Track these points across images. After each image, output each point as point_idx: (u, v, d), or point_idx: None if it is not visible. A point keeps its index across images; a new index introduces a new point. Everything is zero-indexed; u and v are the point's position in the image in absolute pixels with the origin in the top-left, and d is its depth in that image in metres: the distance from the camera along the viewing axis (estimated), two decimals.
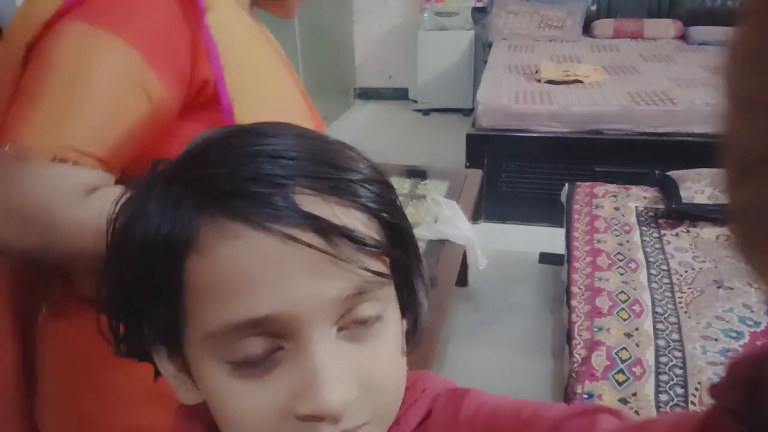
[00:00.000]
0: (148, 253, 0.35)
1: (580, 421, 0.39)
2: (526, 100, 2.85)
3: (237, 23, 0.68)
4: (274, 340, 0.34)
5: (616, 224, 1.95)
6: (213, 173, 0.35)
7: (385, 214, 0.37)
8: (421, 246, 1.80)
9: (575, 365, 1.34)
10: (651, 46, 3.83)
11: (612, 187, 2.19)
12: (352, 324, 0.36)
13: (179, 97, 0.61)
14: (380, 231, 0.37)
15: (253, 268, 0.33)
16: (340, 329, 0.35)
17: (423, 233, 1.84)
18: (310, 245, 0.33)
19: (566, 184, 2.28)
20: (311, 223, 0.33)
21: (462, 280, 2.30)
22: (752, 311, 1.46)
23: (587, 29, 4.13)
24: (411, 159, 3.16)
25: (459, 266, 1.85)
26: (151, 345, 0.39)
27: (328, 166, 0.35)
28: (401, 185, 2.31)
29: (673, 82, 2.99)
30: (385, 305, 0.37)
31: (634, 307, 1.52)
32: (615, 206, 2.05)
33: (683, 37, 3.95)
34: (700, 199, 1.89)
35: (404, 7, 4.72)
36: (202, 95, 0.63)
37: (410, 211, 2.06)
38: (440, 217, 1.91)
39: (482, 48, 4.27)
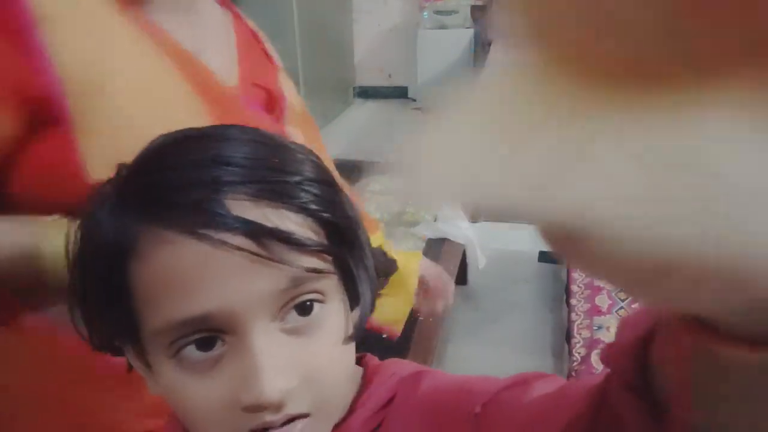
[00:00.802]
0: (97, 259, 0.38)
1: (515, 390, 0.41)
2: None
3: (93, 30, 0.60)
4: (215, 335, 0.36)
5: None
6: (153, 182, 0.37)
7: (324, 214, 0.39)
8: (421, 245, 1.80)
9: (575, 364, 1.34)
10: None
11: None
12: (291, 316, 0.38)
13: (6, 119, 0.55)
14: (317, 229, 0.39)
15: (186, 271, 0.36)
16: (281, 322, 0.37)
17: (422, 232, 1.84)
18: (239, 248, 0.35)
19: None
20: (241, 227, 0.35)
21: (461, 279, 2.30)
22: None
23: None
24: None
25: (458, 265, 1.85)
26: (119, 342, 0.42)
27: (267, 170, 0.38)
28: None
29: None
30: (326, 298, 0.39)
31: (633, 306, 1.52)
32: None
33: None
34: None
35: (404, 5, 4.71)
36: (42, 113, 0.56)
37: (410, 210, 2.06)
38: (440, 215, 1.91)
39: (482, 46, 4.27)
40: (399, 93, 4.87)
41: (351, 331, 0.42)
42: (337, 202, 0.41)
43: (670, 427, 0.23)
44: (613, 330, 1.43)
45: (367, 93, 5.00)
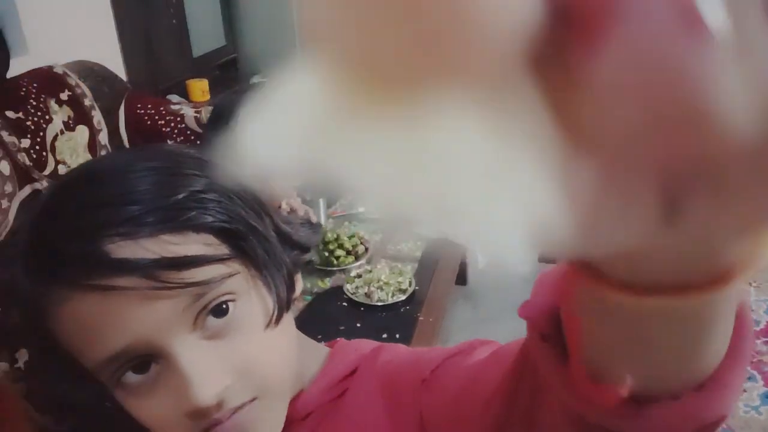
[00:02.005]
0: (24, 323, 0.41)
1: (460, 357, 0.44)
2: None
3: None
4: (144, 357, 0.39)
5: None
6: (38, 244, 0.39)
7: (216, 223, 0.40)
8: (421, 245, 1.80)
9: None
10: None
11: None
12: (209, 322, 0.40)
13: None
14: (210, 238, 0.40)
15: (89, 319, 0.38)
16: (200, 330, 0.39)
17: (422, 232, 1.84)
18: (130, 287, 0.36)
19: None
20: (125, 268, 0.36)
21: (461, 278, 2.30)
22: (752, 310, 1.46)
23: None
24: None
25: (458, 265, 1.85)
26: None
27: (143, 202, 0.38)
28: None
29: None
30: (238, 294, 0.41)
31: None
32: None
33: None
34: None
35: None
36: None
37: None
38: None
39: None
40: None
41: (274, 313, 0.43)
42: (230, 205, 0.42)
43: (573, 371, 0.25)
44: None
45: None
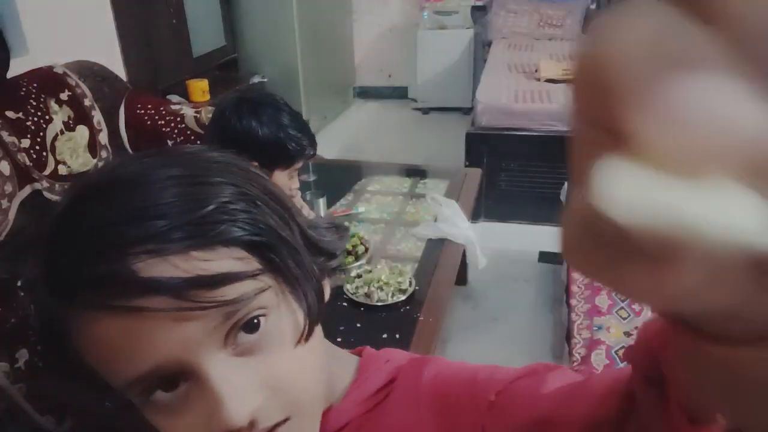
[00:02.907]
0: (45, 341, 0.40)
1: (529, 380, 0.42)
2: (526, 98, 2.85)
3: None
4: (174, 377, 0.37)
5: None
6: (60, 264, 0.37)
7: (250, 237, 0.38)
8: (421, 245, 1.80)
9: (575, 364, 1.34)
10: None
11: None
12: (240, 338, 0.38)
13: None
14: (241, 252, 0.38)
15: (116, 341, 0.36)
16: (232, 347, 0.38)
17: (423, 232, 1.84)
18: (158, 309, 0.34)
19: (566, 183, 2.28)
20: (154, 288, 0.34)
21: (461, 279, 2.30)
22: None
23: (587, 28, 4.12)
24: (410, 158, 3.16)
25: (458, 265, 1.85)
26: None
27: (171, 216, 0.36)
28: (401, 184, 2.30)
29: None
30: (269, 309, 0.39)
31: (633, 306, 1.52)
32: None
33: None
34: None
35: (404, 6, 4.71)
36: None
37: (410, 210, 2.06)
38: (440, 216, 1.91)
39: (482, 47, 4.27)
40: (399, 93, 4.87)
41: (305, 327, 0.42)
42: (260, 216, 0.40)
43: (674, 415, 0.26)
44: (612, 330, 1.43)
45: (367, 93, 4.99)
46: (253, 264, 0.38)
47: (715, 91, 0.13)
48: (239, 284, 0.37)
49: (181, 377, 0.37)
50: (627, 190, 0.13)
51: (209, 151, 0.43)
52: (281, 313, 0.40)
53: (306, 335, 0.41)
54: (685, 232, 0.13)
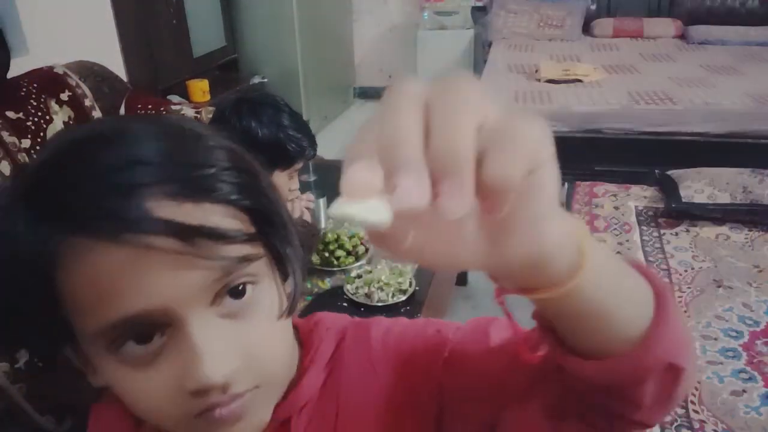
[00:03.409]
0: (18, 274, 0.37)
1: (475, 335, 0.46)
2: (526, 99, 2.85)
3: None
4: (153, 327, 0.37)
5: (616, 223, 1.95)
6: (65, 191, 0.36)
7: (245, 201, 0.39)
8: None
9: None
10: (651, 45, 3.83)
11: (612, 187, 2.19)
12: (226, 301, 0.39)
13: None
14: (242, 216, 0.39)
15: (113, 276, 0.35)
16: (216, 307, 0.38)
17: None
18: (165, 249, 0.35)
19: (566, 184, 2.28)
20: (164, 228, 0.35)
21: (461, 279, 2.30)
22: (752, 310, 1.46)
23: (587, 28, 4.13)
24: None
25: None
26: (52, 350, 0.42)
27: (182, 166, 0.37)
28: None
29: (672, 82, 2.99)
30: (257, 278, 0.40)
31: None
32: (615, 205, 2.05)
33: (683, 37, 3.95)
34: (700, 199, 1.89)
35: (404, 6, 4.71)
36: None
37: None
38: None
39: (482, 47, 4.27)
40: None
41: (285, 304, 0.43)
42: (256, 185, 0.41)
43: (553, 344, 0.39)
44: None
45: (367, 94, 4.99)
46: (251, 230, 0.40)
47: (367, 170, 0.24)
48: (240, 246, 0.38)
49: (156, 331, 0.37)
50: (340, 206, 0.25)
51: (198, 124, 0.45)
52: (267, 285, 0.41)
53: (289, 311, 0.43)
54: (363, 220, 0.25)
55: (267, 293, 0.41)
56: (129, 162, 0.36)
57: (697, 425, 1.13)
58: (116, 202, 0.35)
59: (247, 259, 0.38)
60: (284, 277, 0.45)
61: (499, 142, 0.24)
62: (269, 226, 0.41)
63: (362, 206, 0.25)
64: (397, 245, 0.28)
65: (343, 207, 0.25)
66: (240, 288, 0.39)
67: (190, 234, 0.35)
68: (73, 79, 1.94)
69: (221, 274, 0.37)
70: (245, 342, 0.39)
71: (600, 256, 0.32)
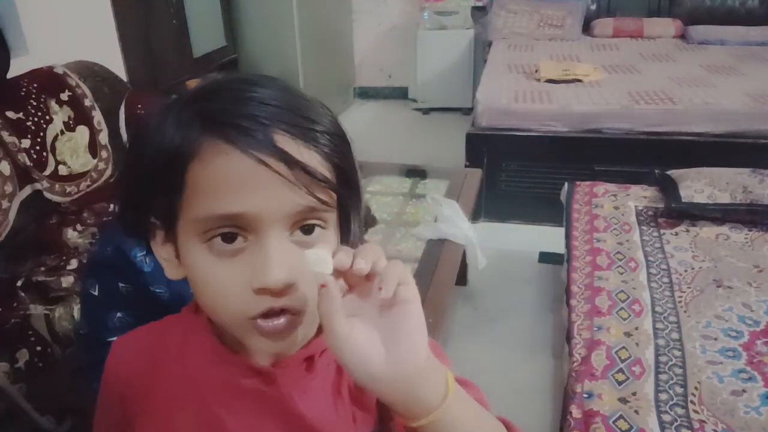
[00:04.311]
0: (163, 157, 0.48)
1: None
2: (526, 99, 2.85)
3: None
4: (241, 231, 0.47)
5: (616, 223, 1.95)
6: (216, 108, 0.48)
7: (336, 160, 0.50)
8: (421, 245, 1.80)
9: (575, 364, 1.34)
10: (651, 45, 3.83)
11: (611, 187, 2.19)
12: (297, 233, 0.48)
13: None
14: (332, 172, 0.49)
15: (234, 178, 0.46)
16: (290, 234, 0.48)
17: (423, 232, 1.84)
18: (276, 171, 0.45)
19: (566, 184, 2.28)
20: (280, 154, 0.46)
21: (461, 279, 2.30)
22: (752, 310, 1.46)
23: (587, 28, 4.13)
24: (411, 158, 3.16)
25: (458, 265, 1.85)
26: (151, 231, 0.53)
27: (300, 116, 0.49)
28: (401, 184, 2.30)
29: (672, 81, 2.99)
30: (326, 225, 0.50)
31: (633, 307, 1.52)
32: (614, 205, 2.05)
33: (683, 36, 3.95)
34: (700, 199, 1.89)
35: (404, 6, 4.71)
36: None
37: (410, 211, 2.06)
38: (440, 216, 1.91)
39: (482, 47, 4.27)
40: (399, 93, 4.87)
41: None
42: (347, 152, 0.52)
43: None
44: (612, 331, 1.42)
45: (367, 93, 4.99)
46: (335, 183, 0.49)
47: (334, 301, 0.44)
48: (323, 191, 0.48)
49: (240, 235, 0.47)
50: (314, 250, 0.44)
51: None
52: (331, 234, 0.51)
53: None
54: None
55: (330, 240, 0.51)
56: (267, 101, 0.48)
57: (696, 425, 1.13)
58: (252, 125, 0.46)
59: (326, 203, 0.48)
60: (344, 239, 0.54)
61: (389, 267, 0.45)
62: (347, 188, 0.51)
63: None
64: (337, 316, 0.43)
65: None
66: (311, 227, 0.49)
67: (295, 165, 0.46)
68: (73, 79, 1.94)
69: (305, 207, 0.47)
70: (303, 267, 0.45)
71: (461, 392, 0.47)
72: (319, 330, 0.53)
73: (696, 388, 1.22)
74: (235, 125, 0.46)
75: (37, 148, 1.74)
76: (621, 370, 1.29)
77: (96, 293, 0.90)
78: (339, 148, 0.50)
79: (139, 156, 0.50)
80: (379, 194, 2.19)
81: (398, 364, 0.43)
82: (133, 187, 0.52)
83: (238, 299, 0.47)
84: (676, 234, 1.85)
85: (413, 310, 0.44)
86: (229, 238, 0.47)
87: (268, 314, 0.47)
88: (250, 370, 0.54)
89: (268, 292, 0.46)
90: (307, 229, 0.49)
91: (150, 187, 0.50)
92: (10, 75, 1.75)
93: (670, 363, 1.30)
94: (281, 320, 0.48)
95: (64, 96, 1.87)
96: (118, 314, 0.90)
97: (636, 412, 1.17)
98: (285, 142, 0.46)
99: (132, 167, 0.52)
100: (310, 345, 0.54)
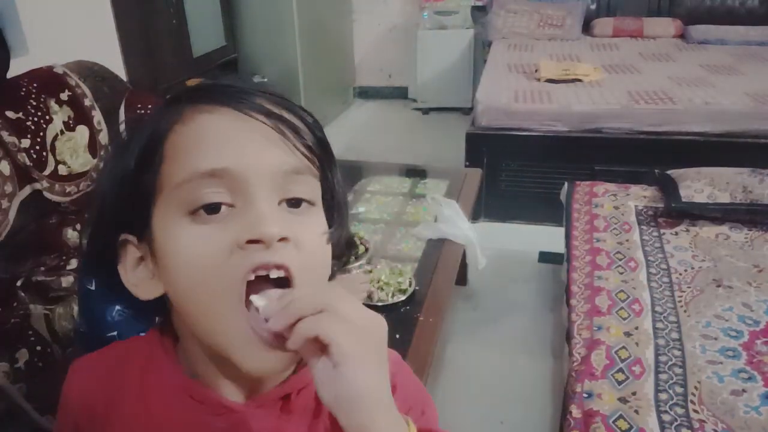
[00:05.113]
0: (143, 133, 0.48)
1: None
2: (526, 99, 2.85)
3: None
4: (228, 194, 0.44)
5: (616, 223, 1.95)
6: (201, 83, 0.49)
7: (319, 133, 0.50)
8: (421, 245, 1.80)
9: (575, 364, 1.34)
10: (650, 44, 3.83)
11: (611, 186, 2.18)
12: (287, 200, 0.46)
13: None
14: (314, 144, 0.49)
15: (219, 131, 0.45)
16: (279, 202, 0.46)
17: (423, 232, 1.84)
18: (263, 122, 0.45)
19: (566, 183, 2.28)
20: (266, 110, 0.46)
21: (461, 279, 2.30)
22: (751, 310, 1.46)
23: (587, 28, 4.12)
24: (410, 158, 3.16)
25: (458, 265, 1.85)
26: (121, 253, 0.50)
27: (286, 101, 0.49)
28: (401, 184, 2.30)
29: (672, 81, 2.99)
30: (313, 202, 0.48)
31: (633, 306, 1.52)
32: (614, 205, 2.05)
33: (683, 36, 3.95)
34: (700, 198, 1.89)
35: (404, 6, 4.71)
36: None
37: (410, 210, 2.06)
38: (440, 216, 1.91)
39: (482, 47, 4.27)
40: (399, 93, 4.87)
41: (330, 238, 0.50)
42: (327, 145, 0.51)
43: None
44: (612, 330, 1.42)
45: (367, 93, 4.99)
46: (318, 151, 0.49)
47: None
48: (309, 156, 0.47)
49: (226, 204, 0.44)
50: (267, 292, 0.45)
51: None
52: (318, 212, 0.49)
53: (330, 239, 0.50)
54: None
55: (317, 217, 0.49)
56: (252, 88, 0.48)
57: (696, 425, 1.13)
58: (237, 90, 0.47)
59: (312, 163, 0.48)
60: (330, 223, 0.52)
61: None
62: (330, 166, 0.51)
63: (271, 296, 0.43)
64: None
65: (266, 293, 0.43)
66: (298, 201, 0.47)
67: (278, 119, 0.46)
68: (73, 79, 1.93)
69: (291, 170, 0.46)
70: (297, 232, 0.45)
71: None
72: (298, 366, 0.51)
73: (696, 388, 1.22)
74: (218, 89, 0.47)
75: (37, 147, 1.74)
76: (621, 370, 1.29)
77: (93, 288, 0.90)
78: (319, 126, 0.50)
79: (117, 152, 0.50)
80: (379, 194, 2.19)
81: (341, 410, 0.39)
82: (105, 192, 0.50)
83: (224, 257, 0.43)
84: (676, 234, 1.85)
85: (343, 372, 0.38)
86: (212, 209, 0.44)
87: (263, 266, 0.43)
88: (222, 407, 0.49)
89: (262, 240, 0.43)
90: (294, 203, 0.47)
91: (125, 181, 0.48)
92: (10, 75, 1.74)
93: (670, 363, 1.30)
94: (281, 272, 0.44)
95: (64, 96, 1.87)
96: (117, 307, 0.90)
97: (636, 411, 1.17)
98: (268, 104, 0.47)
99: (105, 171, 0.51)
100: (287, 382, 0.51)
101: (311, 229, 0.48)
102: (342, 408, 0.39)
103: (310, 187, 0.48)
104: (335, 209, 0.53)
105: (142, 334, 0.57)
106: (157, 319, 0.56)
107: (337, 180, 0.53)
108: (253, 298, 0.43)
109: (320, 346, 0.39)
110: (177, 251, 0.45)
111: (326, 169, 0.50)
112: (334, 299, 0.40)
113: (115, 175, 0.49)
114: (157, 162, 0.46)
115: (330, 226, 0.51)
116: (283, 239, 0.43)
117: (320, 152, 0.49)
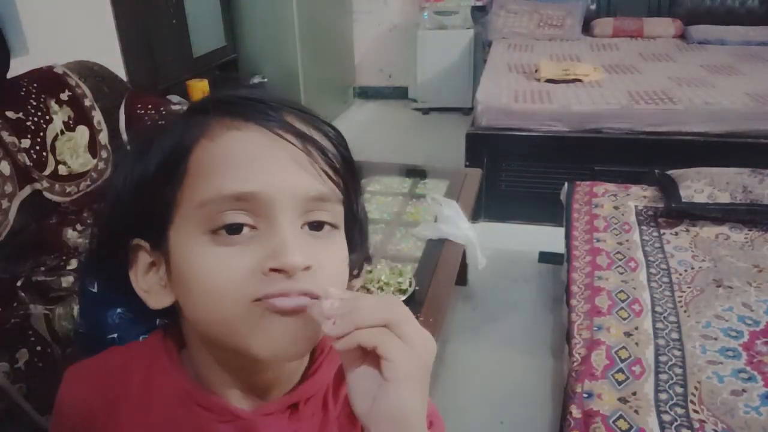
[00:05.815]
0: (167, 141, 0.46)
1: None
2: (526, 99, 2.85)
3: None
4: (251, 216, 0.43)
5: (616, 223, 1.94)
6: (224, 96, 0.48)
7: (344, 150, 0.49)
8: (421, 245, 1.80)
9: (575, 364, 1.34)
10: (650, 45, 3.83)
11: (611, 186, 2.18)
12: (310, 223, 0.46)
13: None
14: (339, 161, 0.48)
15: (247, 152, 0.44)
16: (301, 225, 0.45)
17: (423, 232, 1.84)
18: (292, 143, 0.44)
19: (566, 183, 2.28)
20: (295, 130, 0.45)
21: (461, 279, 2.30)
22: (752, 310, 1.46)
23: (587, 28, 4.12)
24: (410, 158, 3.16)
25: (458, 265, 1.85)
26: (132, 258, 0.49)
27: (313, 118, 0.48)
28: (401, 184, 2.30)
29: (672, 81, 2.99)
30: (335, 225, 0.48)
31: (633, 306, 1.52)
32: (614, 205, 2.05)
33: (683, 36, 3.95)
34: (700, 198, 1.88)
35: (404, 6, 4.71)
36: None
37: (410, 211, 2.06)
38: (440, 216, 1.91)
39: (482, 47, 4.27)
40: (399, 93, 4.87)
41: (357, 263, 0.51)
42: (352, 166, 0.50)
43: None
44: (612, 330, 1.42)
45: (367, 93, 4.99)
46: (344, 172, 0.48)
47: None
48: (337, 182, 0.47)
49: (249, 225, 0.43)
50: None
51: None
52: (340, 237, 0.49)
53: (351, 265, 0.51)
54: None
55: (339, 241, 0.48)
56: (277, 100, 0.48)
57: (696, 425, 1.13)
58: (264, 105, 0.46)
59: (335, 193, 0.46)
60: (350, 248, 0.51)
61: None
62: (354, 184, 0.50)
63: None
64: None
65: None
66: (320, 224, 0.46)
67: (310, 142, 0.45)
68: (73, 79, 1.94)
69: (317, 195, 0.45)
70: (320, 255, 0.44)
71: None
72: (305, 375, 0.52)
73: (696, 388, 1.22)
74: (246, 103, 0.46)
75: (37, 147, 1.74)
76: (621, 370, 1.29)
77: (95, 290, 0.90)
78: (344, 141, 0.50)
79: (136, 156, 0.48)
80: (379, 194, 2.19)
81: (377, 425, 0.39)
82: (120, 195, 0.48)
83: (243, 283, 0.42)
84: (676, 234, 1.85)
85: (392, 390, 0.38)
86: (234, 230, 0.43)
87: (281, 294, 0.43)
88: (230, 414, 0.48)
89: (286, 270, 0.42)
90: (316, 226, 0.46)
91: (143, 188, 0.47)
92: (10, 75, 1.75)
93: (670, 363, 1.30)
94: (301, 299, 0.42)
95: (64, 96, 1.88)
96: (118, 311, 0.90)
97: (636, 411, 1.17)
98: (296, 122, 0.46)
99: (122, 174, 0.49)
100: (295, 390, 0.50)
101: (334, 255, 0.47)
102: (378, 423, 0.39)
103: (335, 212, 0.47)
104: (356, 230, 0.52)
105: (143, 337, 0.56)
106: (158, 321, 0.56)
107: (360, 202, 0.52)
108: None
109: (363, 354, 0.40)
110: (196, 270, 0.44)
111: (350, 192, 0.49)
112: (398, 316, 0.39)
113: (131, 178, 0.48)
114: (179, 175, 0.45)
115: (350, 246, 0.50)
116: (306, 268, 0.43)
117: (345, 173, 0.48)
